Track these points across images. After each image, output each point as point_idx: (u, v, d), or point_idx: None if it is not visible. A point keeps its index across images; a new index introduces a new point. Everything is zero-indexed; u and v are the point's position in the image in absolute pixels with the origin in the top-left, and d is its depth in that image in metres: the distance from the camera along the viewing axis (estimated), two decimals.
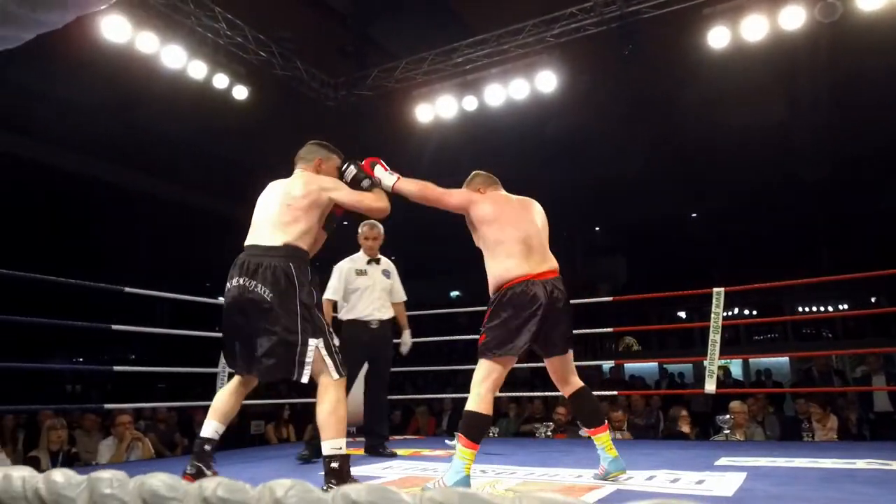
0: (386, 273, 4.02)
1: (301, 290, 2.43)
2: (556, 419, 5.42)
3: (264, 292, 2.40)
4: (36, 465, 4.28)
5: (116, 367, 4.30)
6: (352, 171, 2.75)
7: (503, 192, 2.85)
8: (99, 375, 11.29)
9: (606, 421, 2.71)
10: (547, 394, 5.85)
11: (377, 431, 3.93)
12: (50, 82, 7.65)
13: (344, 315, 3.92)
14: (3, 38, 1.03)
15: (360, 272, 3.94)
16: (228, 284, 2.51)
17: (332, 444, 2.40)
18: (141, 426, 5.80)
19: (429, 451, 3.94)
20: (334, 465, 2.38)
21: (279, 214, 2.54)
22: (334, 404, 2.43)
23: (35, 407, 5.59)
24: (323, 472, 2.44)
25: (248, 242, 2.58)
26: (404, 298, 4.09)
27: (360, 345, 3.80)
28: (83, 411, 5.87)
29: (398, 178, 2.74)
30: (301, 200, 2.55)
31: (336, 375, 2.46)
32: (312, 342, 2.41)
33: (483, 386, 2.50)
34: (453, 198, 2.72)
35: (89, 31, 5.51)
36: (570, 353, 2.71)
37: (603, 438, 2.64)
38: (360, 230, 4.01)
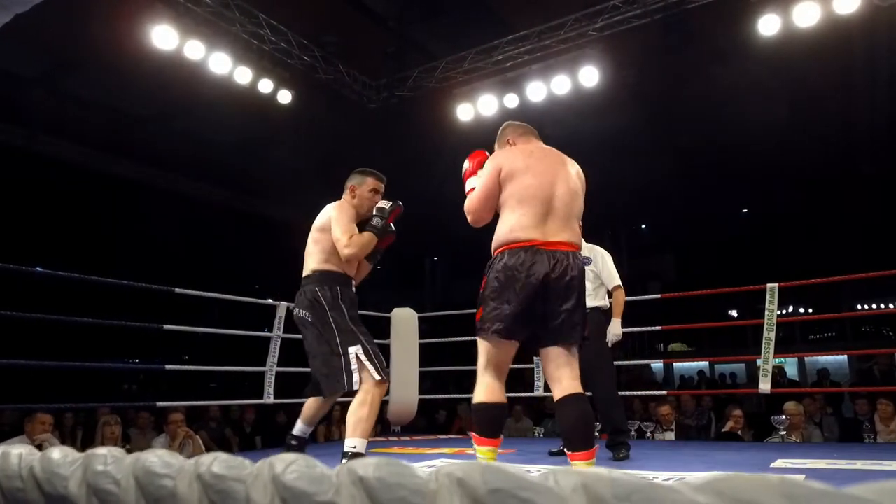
0: (584, 261, 3.68)
1: (329, 307, 2.72)
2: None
3: (304, 314, 2.78)
4: None
5: (168, 367, 4.40)
6: (379, 209, 2.88)
7: (540, 143, 2.41)
8: (152, 375, 11.65)
9: (596, 447, 2.08)
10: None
11: (613, 434, 3.57)
12: (103, 91, 7.91)
13: None
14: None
15: None
16: None
17: (348, 442, 2.57)
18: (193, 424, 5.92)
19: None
20: (343, 462, 2.45)
21: (307, 247, 2.92)
22: (356, 406, 2.60)
23: (92, 404, 5.77)
24: None
25: None
26: (615, 283, 3.66)
27: None
28: (137, 409, 6.04)
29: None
30: (318, 227, 2.88)
31: (377, 377, 2.63)
32: (352, 350, 2.64)
33: (486, 374, 2.21)
34: (482, 187, 2.28)
35: (139, 41, 5.68)
36: (573, 351, 2.16)
37: None
38: None
